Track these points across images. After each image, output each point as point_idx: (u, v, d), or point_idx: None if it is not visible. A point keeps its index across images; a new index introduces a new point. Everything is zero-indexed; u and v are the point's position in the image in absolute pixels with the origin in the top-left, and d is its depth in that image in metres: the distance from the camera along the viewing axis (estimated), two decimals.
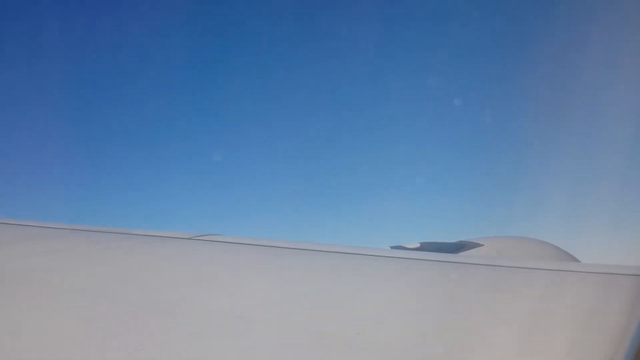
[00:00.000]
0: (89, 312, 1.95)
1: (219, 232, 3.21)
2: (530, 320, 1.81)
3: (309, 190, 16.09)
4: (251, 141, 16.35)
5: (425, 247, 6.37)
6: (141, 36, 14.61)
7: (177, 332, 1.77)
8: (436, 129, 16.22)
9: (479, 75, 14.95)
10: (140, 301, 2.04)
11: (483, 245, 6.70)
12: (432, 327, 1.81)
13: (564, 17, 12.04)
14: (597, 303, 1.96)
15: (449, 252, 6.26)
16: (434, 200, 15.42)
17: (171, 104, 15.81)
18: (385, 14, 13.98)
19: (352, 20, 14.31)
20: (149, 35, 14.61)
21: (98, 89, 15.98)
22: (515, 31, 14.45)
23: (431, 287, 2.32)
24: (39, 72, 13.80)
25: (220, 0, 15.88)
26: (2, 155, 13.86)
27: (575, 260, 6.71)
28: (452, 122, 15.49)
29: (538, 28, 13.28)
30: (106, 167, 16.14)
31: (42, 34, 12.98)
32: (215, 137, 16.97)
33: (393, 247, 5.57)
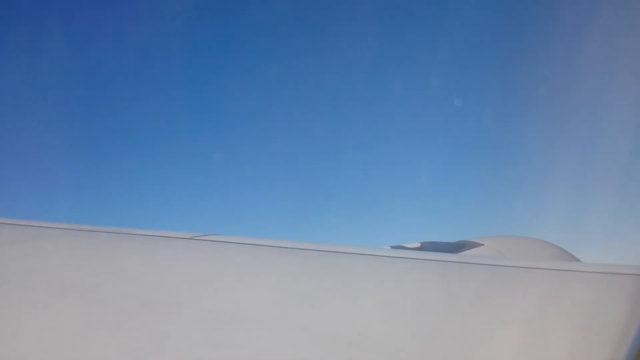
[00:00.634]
0: (89, 312, 1.95)
1: (220, 232, 3.20)
2: (531, 320, 1.81)
3: (309, 190, 16.13)
4: (252, 141, 16.39)
5: (425, 246, 6.35)
6: (141, 36, 14.64)
7: (177, 332, 1.77)
8: (436, 129, 16.25)
9: (480, 75, 14.97)
10: (140, 301, 2.03)
11: (483, 244, 6.70)
12: (433, 327, 1.81)
13: (565, 17, 12.05)
14: (598, 303, 1.96)
15: (450, 252, 6.25)
16: (434, 200, 15.45)
17: (171, 103, 15.83)
18: (386, 13, 14.01)
19: (354, 20, 14.34)
20: (149, 35, 14.63)
21: (98, 89, 16.01)
22: (516, 31, 14.47)
23: (431, 286, 2.32)
24: (39, 72, 13.83)
25: (221, 0, 15.89)
26: (2, 156, 13.88)
27: (576, 259, 6.71)
28: (452, 122, 15.52)
29: (538, 28, 13.30)
30: (106, 166, 16.16)
31: (42, 34, 13.01)
32: (216, 137, 16.99)
33: (393, 247, 5.56)
